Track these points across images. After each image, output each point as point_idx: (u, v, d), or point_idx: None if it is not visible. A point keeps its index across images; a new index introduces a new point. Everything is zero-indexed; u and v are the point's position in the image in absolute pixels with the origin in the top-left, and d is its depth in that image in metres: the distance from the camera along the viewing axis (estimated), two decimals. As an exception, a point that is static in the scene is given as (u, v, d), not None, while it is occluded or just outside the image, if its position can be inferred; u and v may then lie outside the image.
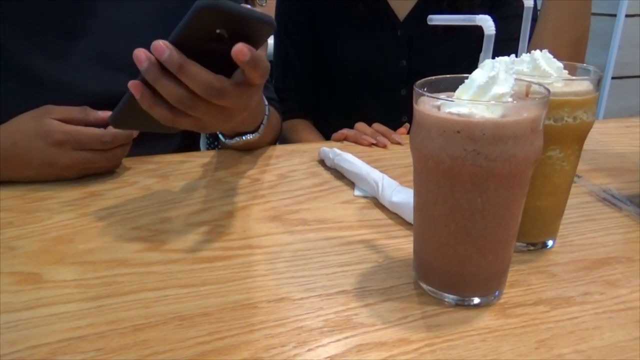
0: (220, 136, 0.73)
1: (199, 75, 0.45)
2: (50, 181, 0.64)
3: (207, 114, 0.49)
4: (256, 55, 0.45)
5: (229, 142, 0.72)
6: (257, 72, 0.47)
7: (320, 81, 1.07)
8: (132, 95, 0.47)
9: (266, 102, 0.74)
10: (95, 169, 0.65)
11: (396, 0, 0.97)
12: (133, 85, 0.47)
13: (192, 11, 0.43)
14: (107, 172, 0.67)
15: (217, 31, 0.45)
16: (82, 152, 0.62)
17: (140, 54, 0.45)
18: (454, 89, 0.39)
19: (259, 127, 0.72)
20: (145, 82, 0.47)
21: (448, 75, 0.40)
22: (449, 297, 0.41)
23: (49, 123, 0.61)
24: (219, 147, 0.76)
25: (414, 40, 0.97)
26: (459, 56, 0.97)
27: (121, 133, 0.63)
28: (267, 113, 0.73)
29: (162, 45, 0.44)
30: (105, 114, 0.62)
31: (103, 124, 0.63)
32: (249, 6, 0.47)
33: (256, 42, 0.49)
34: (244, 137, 0.71)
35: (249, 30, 0.47)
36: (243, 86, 0.49)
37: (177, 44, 0.45)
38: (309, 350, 0.37)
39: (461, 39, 0.96)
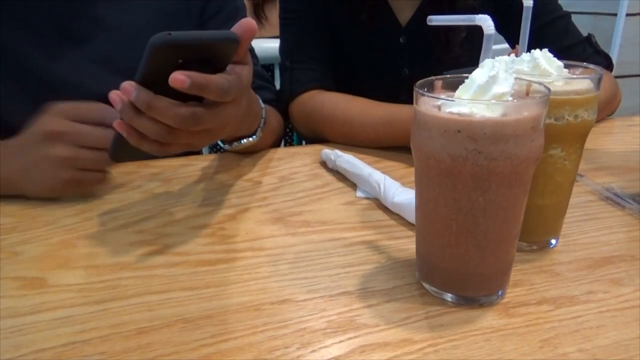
0: (219, 142, 0.73)
1: (168, 109, 0.46)
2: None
3: (190, 139, 0.50)
4: (198, 79, 0.44)
5: (227, 147, 0.72)
6: (212, 93, 0.47)
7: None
8: None
9: (262, 105, 0.74)
10: (86, 176, 0.60)
11: (398, 4, 0.96)
12: (118, 124, 0.48)
13: (147, 50, 0.43)
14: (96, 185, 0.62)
15: (180, 61, 0.45)
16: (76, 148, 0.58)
17: (114, 97, 0.46)
18: (454, 88, 0.39)
19: (256, 130, 0.72)
20: None
21: (448, 75, 0.41)
22: (452, 297, 0.41)
23: (45, 118, 0.58)
24: (221, 150, 0.76)
25: (416, 48, 0.97)
26: (462, 65, 0.96)
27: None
28: (263, 116, 0.73)
29: (128, 87, 0.45)
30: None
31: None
32: None
33: (222, 61, 0.49)
34: (242, 142, 0.72)
35: (211, 52, 0.47)
36: (216, 107, 0.49)
37: (144, 82, 0.45)
38: (313, 351, 0.37)
39: (464, 48, 0.96)
